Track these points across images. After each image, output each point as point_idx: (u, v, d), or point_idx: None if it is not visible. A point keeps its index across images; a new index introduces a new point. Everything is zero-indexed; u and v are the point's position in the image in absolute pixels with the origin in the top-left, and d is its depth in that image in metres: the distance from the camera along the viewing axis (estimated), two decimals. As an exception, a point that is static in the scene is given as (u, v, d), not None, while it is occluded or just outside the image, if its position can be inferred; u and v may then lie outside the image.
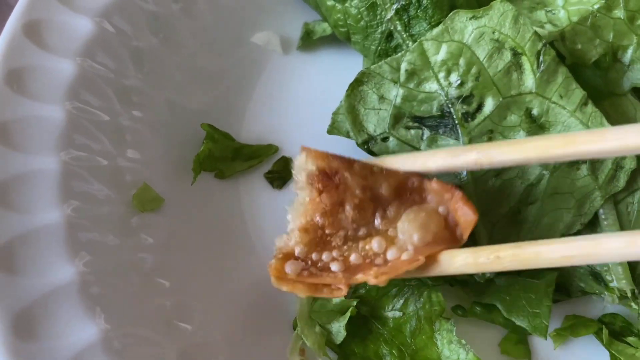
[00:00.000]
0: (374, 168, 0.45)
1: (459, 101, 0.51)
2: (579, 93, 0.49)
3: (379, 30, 0.57)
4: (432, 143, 0.52)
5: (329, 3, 0.60)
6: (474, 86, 0.50)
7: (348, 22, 0.59)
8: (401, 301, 0.52)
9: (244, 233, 0.57)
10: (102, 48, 0.55)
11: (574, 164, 0.50)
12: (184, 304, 0.50)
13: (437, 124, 0.52)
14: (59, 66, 0.52)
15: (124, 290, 0.48)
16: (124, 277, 0.48)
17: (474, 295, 0.54)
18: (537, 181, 0.50)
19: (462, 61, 0.50)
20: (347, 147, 0.50)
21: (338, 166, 0.44)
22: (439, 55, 0.51)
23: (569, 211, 0.51)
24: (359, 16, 0.57)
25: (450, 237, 0.44)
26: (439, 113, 0.52)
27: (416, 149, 0.52)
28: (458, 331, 0.49)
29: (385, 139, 0.53)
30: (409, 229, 0.43)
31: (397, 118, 0.53)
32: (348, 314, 0.50)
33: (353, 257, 0.43)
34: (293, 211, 0.45)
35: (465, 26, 0.50)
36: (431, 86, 0.51)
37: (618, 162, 0.50)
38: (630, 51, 0.52)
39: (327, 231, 0.43)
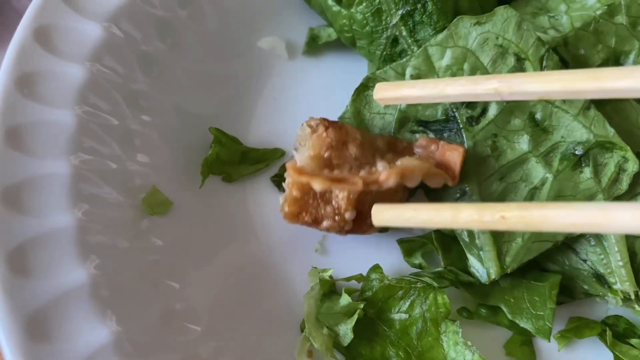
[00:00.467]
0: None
1: (464, 106, 0.51)
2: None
3: (384, 35, 0.57)
4: (437, 147, 0.52)
5: (335, 9, 0.60)
6: (479, 91, 0.51)
7: (353, 27, 0.59)
8: (407, 303, 0.52)
9: (251, 235, 0.58)
10: (110, 53, 0.55)
11: (577, 167, 0.51)
12: (193, 307, 0.51)
13: (441, 128, 0.53)
14: (69, 71, 0.53)
15: (134, 292, 0.48)
16: (135, 280, 0.48)
17: (479, 297, 0.54)
18: (541, 184, 0.51)
19: (466, 66, 0.51)
20: (354, 151, 0.51)
21: (340, 123, 0.50)
22: (444, 60, 0.52)
23: (573, 214, 0.51)
24: (365, 22, 0.58)
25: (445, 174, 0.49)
26: (443, 117, 0.52)
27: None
28: (464, 333, 0.50)
29: (391, 143, 0.53)
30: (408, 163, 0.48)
31: (402, 122, 0.54)
32: (355, 316, 0.50)
33: (362, 173, 0.47)
34: (300, 147, 0.49)
35: (470, 32, 0.51)
36: (436, 91, 0.52)
37: (621, 165, 0.50)
38: (632, 56, 0.53)
39: (334, 162, 0.48)
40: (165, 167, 0.56)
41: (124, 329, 0.45)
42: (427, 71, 0.52)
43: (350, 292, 0.53)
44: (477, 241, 0.52)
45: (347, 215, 0.48)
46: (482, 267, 0.52)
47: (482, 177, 0.52)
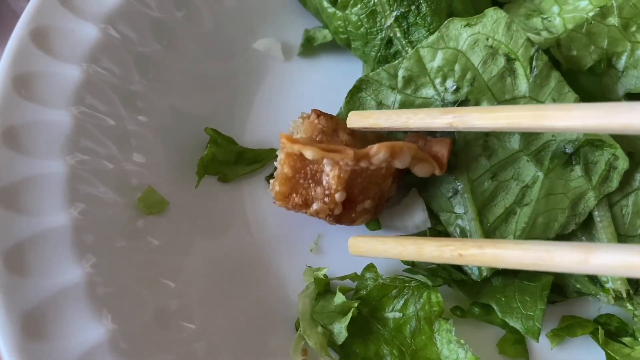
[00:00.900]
0: None
1: (455, 106, 0.52)
2: (571, 96, 0.50)
3: (379, 37, 0.58)
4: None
5: (330, 10, 0.61)
6: (469, 91, 0.51)
7: (348, 29, 0.60)
8: (401, 302, 0.53)
9: (246, 235, 0.58)
10: (107, 54, 0.56)
11: (568, 165, 0.51)
12: (188, 305, 0.51)
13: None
14: (65, 72, 0.53)
15: (130, 291, 0.48)
16: (130, 278, 0.49)
17: (471, 295, 0.54)
18: (532, 182, 0.51)
19: (457, 67, 0.51)
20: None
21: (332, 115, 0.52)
22: (435, 61, 0.52)
23: (564, 211, 0.52)
24: (359, 23, 0.58)
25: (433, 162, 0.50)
26: (436, 118, 0.53)
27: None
28: (457, 331, 0.50)
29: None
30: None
31: (395, 123, 0.54)
32: (349, 314, 0.51)
33: None
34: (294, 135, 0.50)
35: (460, 33, 0.51)
36: (428, 92, 0.53)
37: (611, 163, 0.51)
38: (624, 58, 0.53)
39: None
40: (161, 167, 0.57)
41: (119, 327, 0.45)
42: (418, 72, 0.52)
43: (344, 291, 0.53)
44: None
45: (337, 197, 0.48)
46: (474, 264, 0.52)
47: (473, 176, 0.52)
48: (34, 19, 0.54)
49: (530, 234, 0.52)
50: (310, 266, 0.56)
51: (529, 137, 0.51)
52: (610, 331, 0.54)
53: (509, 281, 0.54)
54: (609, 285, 0.52)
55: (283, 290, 0.55)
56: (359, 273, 0.55)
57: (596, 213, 0.52)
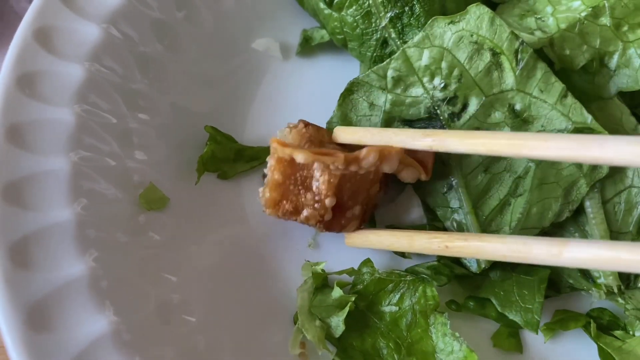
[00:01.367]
0: None
1: (445, 103, 0.52)
2: (558, 86, 0.50)
3: (374, 37, 0.58)
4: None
5: (326, 11, 0.61)
6: (458, 87, 0.51)
7: (344, 29, 0.60)
8: (397, 296, 0.53)
9: (246, 231, 0.58)
10: (109, 53, 0.56)
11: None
12: (189, 299, 0.52)
13: (425, 126, 0.53)
14: (68, 71, 0.54)
15: (132, 284, 0.49)
16: (132, 272, 0.49)
17: (470, 289, 0.55)
18: (525, 173, 0.52)
19: (444, 65, 0.52)
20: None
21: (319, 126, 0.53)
22: (422, 60, 0.52)
23: (557, 200, 0.52)
24: (355, 24, 0.59)
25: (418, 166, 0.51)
26: (426, 115, 0.53)
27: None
28: (452, 325, 0.50)
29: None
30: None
31: (388, 123, 0.54)
32: (347, 308, 0.51)
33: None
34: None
35: (445, 31, 0.51)
36: (417, 90, 0.53)
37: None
38: (616, 57, 0.54)
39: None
40: (162, 164, 0.57)
41: (121, 319, 0.46)
42: (407, 72, 0.53)
43: (342, 286, 0.53)
44: (466, 231, 0.53)
45: (327, 202, 0.48)
46: (473, 256, 0.53)
47: (467, 170, 0.53)
48: (37, 19, 0.55)
49: (525, 224, 0.52)
50: (308, 261, 0.56)
51: (518, 129, 0.51)
52: (602, 325, 0.54)
53: (507, 275, 0.55)
54: (601, 281, 0.53)
55: (282, 285, 0.56)
56: (356, 268, 0.55)
57: (589, 210, 0.53)
